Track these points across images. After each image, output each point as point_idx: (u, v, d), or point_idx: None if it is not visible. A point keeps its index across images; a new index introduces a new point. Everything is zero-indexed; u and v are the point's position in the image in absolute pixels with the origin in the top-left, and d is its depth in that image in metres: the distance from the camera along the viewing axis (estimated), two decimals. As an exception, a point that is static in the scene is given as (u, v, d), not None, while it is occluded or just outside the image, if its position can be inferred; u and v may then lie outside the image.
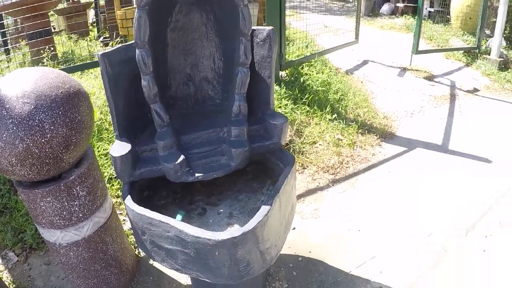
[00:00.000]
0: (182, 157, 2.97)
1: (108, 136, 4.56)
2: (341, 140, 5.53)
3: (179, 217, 3.14)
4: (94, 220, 2.87)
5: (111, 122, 3.33)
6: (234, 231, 2.51)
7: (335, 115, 5.74)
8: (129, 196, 2.96)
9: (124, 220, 3.97)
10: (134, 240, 3.20)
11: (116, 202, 4.17)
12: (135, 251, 3.77)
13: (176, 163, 2.90)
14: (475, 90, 7.46)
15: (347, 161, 5.05)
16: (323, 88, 6.01)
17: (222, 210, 3.30)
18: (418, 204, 4.35)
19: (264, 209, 2.67)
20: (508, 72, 8.22)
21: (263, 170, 3.56)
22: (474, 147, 5.45)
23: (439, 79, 8.12)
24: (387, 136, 5.96)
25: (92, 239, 2.89)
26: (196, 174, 3.01)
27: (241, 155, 3.05)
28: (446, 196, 4.50)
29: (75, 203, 2.72)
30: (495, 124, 6.19)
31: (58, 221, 2.67)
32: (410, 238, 3.85)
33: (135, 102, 2.87)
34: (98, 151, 4.34)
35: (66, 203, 2.67)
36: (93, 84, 5.40)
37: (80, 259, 2.86)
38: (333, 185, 4.71)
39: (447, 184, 4.71)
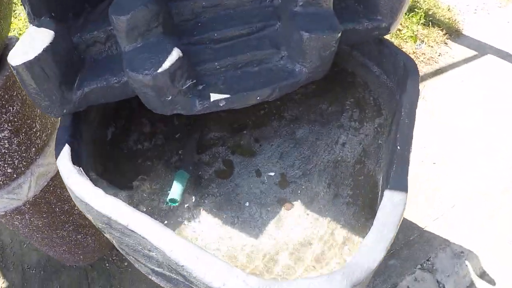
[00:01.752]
0: (176, 53, 1.21)
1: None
2: (401, 30, 4.72)
3: (176, 193, 1.49)
4: (36, 173, 1.93)
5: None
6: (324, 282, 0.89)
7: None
8: (65, 154, 1.31)
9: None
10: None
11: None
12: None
13: (159, 71, 1.15)
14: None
15: (411, 61, 3.54)
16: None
17: (265, 170, 1.65)
18: (503, 130, 3.58)
19: (393, 202, 1.06)
20: None
21: (336, 78, 1.85)
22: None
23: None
24: (453, 33, 5.05)
25: (41, 201, 2.03)
26: (215, 97, 1.30)
27: (322, 48, 1.28)
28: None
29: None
30: None
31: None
32: (497, 176, 3.17)
33: None
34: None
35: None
36: None
37: (33, 228, 2.14)
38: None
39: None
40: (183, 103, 1.25)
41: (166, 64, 1.16)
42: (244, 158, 1.68)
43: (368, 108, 1.75)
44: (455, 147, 3.41)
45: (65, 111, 1.32)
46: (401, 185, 1.13)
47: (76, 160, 1.32)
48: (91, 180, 1.28)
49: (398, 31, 4.62)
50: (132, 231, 1.08)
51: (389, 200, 1.11)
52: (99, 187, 1.21)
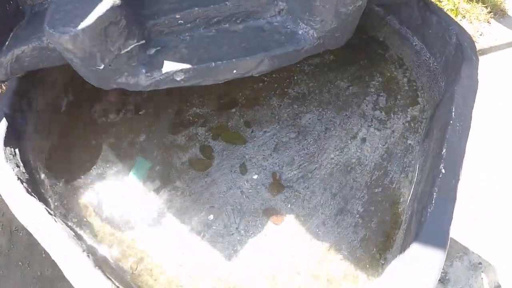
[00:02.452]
0: (108, 1, 0.78)
1: None
2: (441, 1, 4.06)
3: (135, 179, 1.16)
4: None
5: None
6: None
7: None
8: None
9: None
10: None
11: None
12: None
13: (80, 27, 0.77)
14: None
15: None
16: None
17: (253, 165, 1.26)
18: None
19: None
20: None
21: (361, 49, 1.46)
22: None
23: None
24: (498, 12, 4.36)
25: None
26: (169, 67, 0.88)
27: (341, 1, 0.93)
28: None
29: None
30: None
31: None
32: None
33: None
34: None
35: None
36: None
37: None
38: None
39: None
40: (124, 75, 0.86)
41: (91, 18, 0.75)
42: (228, 146, 1.29)
43: (400, 94, 1.31)
44: (487, 144, 2.90)
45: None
46: (439, 236, 0.73)
47: (15, 137, 0.97)
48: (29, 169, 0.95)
49: (438, 1, 4.02)
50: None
51: (418, 259, 0.72)
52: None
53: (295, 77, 1.40)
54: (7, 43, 1.00)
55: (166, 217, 1.16)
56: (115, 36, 0.81)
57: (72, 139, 1.28)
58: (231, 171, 1.24)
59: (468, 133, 0.86)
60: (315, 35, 0.93)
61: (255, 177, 1.23)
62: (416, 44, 1.27)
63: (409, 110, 1.28)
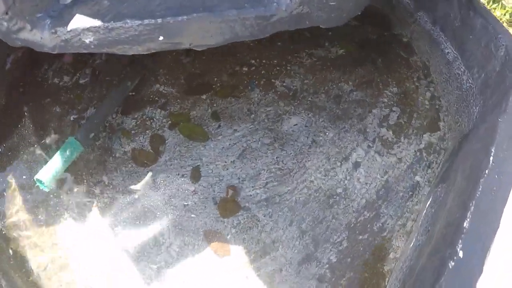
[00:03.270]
0: None
1: None
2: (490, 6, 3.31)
3: (48, 173, 0.91)
4: None
5: None
6: None
7: None
8: None
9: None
10: None
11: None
12: None
13: None
14: None
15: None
16: None
17: (208, 172, 0.98)
18: None
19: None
20: None
21: (379, 47, 1.13)
22: None
23: None
24: None
25: None
26: (79, 24, 0.59)
27: None
28: None
29: None
30: None
31: None
32: None
33: None
34: None
35: None
36: None
37: None
38: None
39: None
40: (26, 28, 0.59)
41: None
42: (184, 140, 1.00)
43: (418, 112, 1.01)
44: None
45: None
46: None
47: None
48: None
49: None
50: None
51: None
52: None
53: (288, 67, 1.10)
54: None
55: (86, 216, 0.89)
56: None
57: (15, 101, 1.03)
58: (179, 174, 0.95)
59: (510, 194, 0.55)
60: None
61: (206, 187, 0.94)
62: (449, 52, 0.96)
63: (425, 135, 0.97)
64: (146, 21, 0.61)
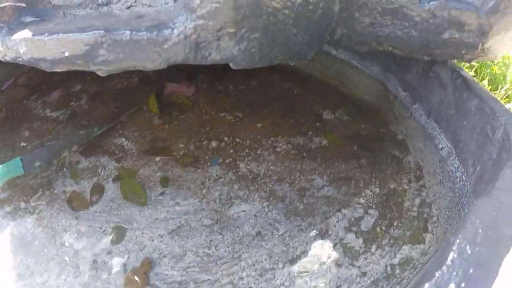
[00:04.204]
0: None
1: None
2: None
3: None
4: None
5: None
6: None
7: None
8: None
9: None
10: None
11: None
12: None
13: None
14: None
15: None
16: None
17: (118, 253, 0.81)
18: None
19: None
20: None
21: (362, 143, 0.91)
22: None
23: None
24: None
25: None
26: (21, 35, 0.66)
27: None
28: None
29: None
30: None
31: None
32: None
33: None
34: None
35: None
36: None
37: None
38: None
39: None
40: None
41: None
42: (120, 197, 0.86)
43: (401, 219, 0.76)
44: None
45: None
46: None
47: None
48: None
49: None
50: None
51: None
52: None
53: (259, 152, 0.95)
54: None
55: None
56: None
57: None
58: (101, 229, 0.79)
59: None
60: (190, 22, 0.54)
61: (123, 251, 0.75)
62: (443, 147, 0.75)
63: (405, 246, 0.70)
64: (55, 36, 0.59)
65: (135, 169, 0.93)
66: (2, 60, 0.69)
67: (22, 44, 0.64)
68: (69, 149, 0.98)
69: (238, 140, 0.99)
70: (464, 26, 0.62)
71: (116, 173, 0.92)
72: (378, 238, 0.75)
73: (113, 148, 0.99)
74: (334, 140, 0.94)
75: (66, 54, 0.62)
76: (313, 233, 0.77)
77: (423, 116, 0.82)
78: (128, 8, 0.67)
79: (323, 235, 0.77)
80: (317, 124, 1.00)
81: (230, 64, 0.60)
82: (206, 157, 0.96)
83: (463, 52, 0.65)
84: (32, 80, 1.21)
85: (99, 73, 0.62)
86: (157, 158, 0.95)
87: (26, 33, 0.64)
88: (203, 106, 1.09)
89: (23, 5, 0.71)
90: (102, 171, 0.93)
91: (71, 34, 0.60)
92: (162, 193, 0.87)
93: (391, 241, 0.74)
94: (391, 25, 0.64)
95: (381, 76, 0.93)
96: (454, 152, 0.72)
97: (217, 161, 0.95)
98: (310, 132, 0.98)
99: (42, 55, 0.64)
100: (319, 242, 0.76)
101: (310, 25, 0.60)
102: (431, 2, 0.61)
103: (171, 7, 0.62)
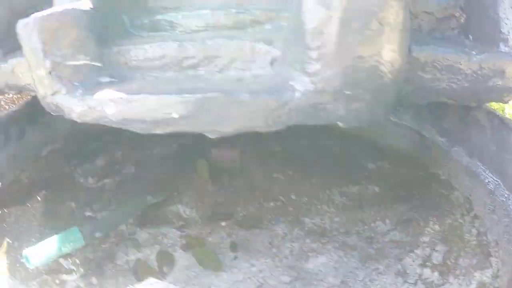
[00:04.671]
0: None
1: None
2: None
3: (38, 253, 0.87)
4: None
5: None
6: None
7: None
8: None
9: None
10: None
11: None
12: None
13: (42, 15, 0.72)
14: None
15: None
16: None
17: None
18: None
19: None
20: None
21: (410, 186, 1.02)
22: None
23: None
24: None
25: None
26: (105, 94, 0.71)
27: (362, 38, 0.65)
28: None
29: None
30: None
31: None
32: None
33: None
34: None
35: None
36: None
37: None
38: None
39: None
40: (61, 91, 0.68)
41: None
42: (195, 265, 0.91)
43: (464, 249, 0.86)
44: None
45: None
46: None
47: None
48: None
49: None
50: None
51: None
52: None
53: (319, 206, 1.04)
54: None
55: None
56: (65, 41, 0.67)
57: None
58: None
59: None
60: (311, 85, 0.64)
61: None
62: (489, 182, 0.86)
63: (476, 273, 0.80)
64: (161, 96, 0.65)
65: (202, 237, 0.99)
66: (78, 120, 0.72)
67: (111, 105, 0.68)
68: (125, 221, 1.02)
69: (294, 197, 1.08)
70: (505, 73, 0.76)
71: (184, 242, 0.98)
72: (451, 269, 0.84)
73: (170, 217, 1.05)
74: (384, 187, 1.06)
75: (174, 115, 0.67)
76: (393, 274, 0.86)
77: (465, 157, 0.94)
78: (219, 71, 0.74)
79: (402, 274, 0.86)
80: (365, 174, 1.11)
81: (339, 123, 0.69)
82: (269, 216, 1.04)
83: (504, 95, 0.79)
84: (67, 147, 1.19)
85: (209, 135, 0.69)
86: (223, 223, 1.03)
87: (113, 93, 0.68)
88: (253, 168, 1.17)
89: (99, 64, 0.75)
90: (164, 239, 0.98)
91: (179, 95, 0.65)
92: (235, 258, 0.94)
93: (463, 270, 0.83)
94: (447, 79, 0.77)
95: (416, 125, 1.06)
96: (501, 184, 0.84)
97: (280, 220, 1.03)
98: (363, 182, 1.08)
99: (139, 116, 0.69)
100: (400, 281, 0.85)
101: (399, 85, 0.71)
102: (478, 57, 0.75)
103: (279, 70, 0.70)
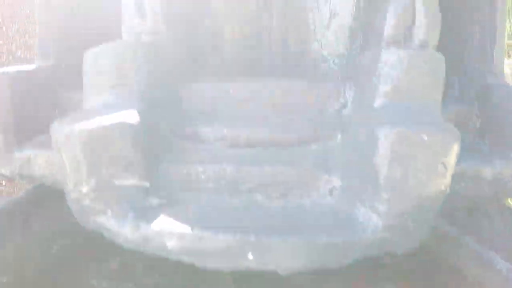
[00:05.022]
0: (131, 115, 0.77)
1: None
2: None
3: None
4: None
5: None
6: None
7: None
8: None
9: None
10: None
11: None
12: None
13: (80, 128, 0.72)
14: None
15: None
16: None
17: None
18: None
19: None
20: None
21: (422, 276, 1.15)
22: None
23: None
24: None
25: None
26: (163, 226, 0.71)
27: (424, 167, 0.73)
28: None
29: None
30: None
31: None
32: None
33: None
34: None
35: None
36: None
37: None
38: None
39: None
40: (107, 213, 0.67)
41: (94, 123, 0.63)
42: None
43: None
44: None
45: None
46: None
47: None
48: None
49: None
50: None
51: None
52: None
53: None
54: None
55: None
56: (111, 159, 0.65)
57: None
58: None
59: None
60: (380, 222, 0.70)
61: None
62: (501, 268, 0.97)
63: None
64: (238, 236, 0.65)
65: None
66: (124, 246, 0.69)
67: (172, 238, 0.66)
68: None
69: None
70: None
71: None
72: None
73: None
74: (397, 281, 1.12)
75: (250, 256, 0.68)
76: None
77: (476, 245, 1.04)
78: (279, 197, 0.76)
79: None
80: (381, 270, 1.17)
81: (398, 251, 0.75)
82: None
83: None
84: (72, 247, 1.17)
85: (281, 272, 0.71)
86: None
87: (172, 223, 0.65)
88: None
89: (147, 184, 0.73)
90: None
91: (262, 236, 0.66)
92: None
93: None
94: (471, 187, 0.86)
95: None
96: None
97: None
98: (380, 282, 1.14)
99: (206, 254, 0.68)
100: None
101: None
102: (499, 165, 0.85)
103: (337, 200, 0.75)
